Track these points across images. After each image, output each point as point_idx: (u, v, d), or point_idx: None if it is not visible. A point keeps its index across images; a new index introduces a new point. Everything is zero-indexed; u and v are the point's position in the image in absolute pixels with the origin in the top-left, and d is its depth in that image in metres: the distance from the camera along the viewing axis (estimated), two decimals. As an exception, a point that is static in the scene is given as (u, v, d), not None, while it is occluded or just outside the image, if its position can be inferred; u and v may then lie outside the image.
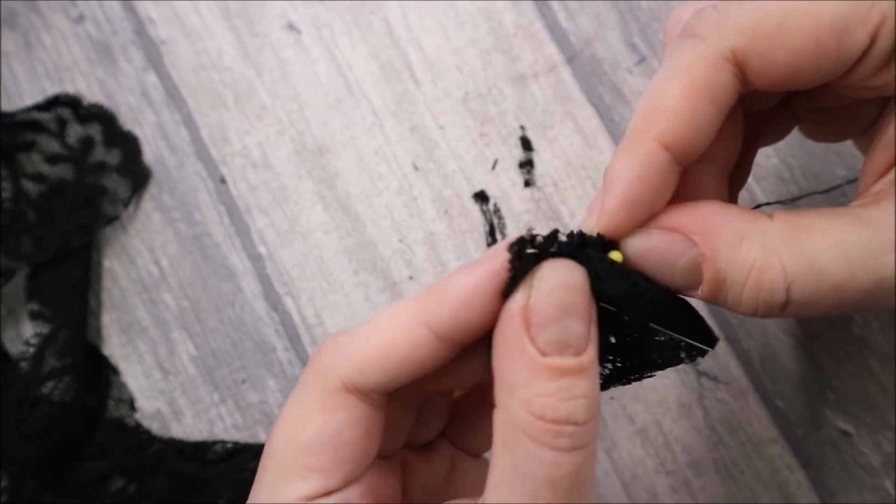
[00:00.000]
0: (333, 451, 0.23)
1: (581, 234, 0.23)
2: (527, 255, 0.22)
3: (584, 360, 0.21)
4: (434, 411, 0.28)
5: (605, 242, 0.23)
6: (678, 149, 0.23)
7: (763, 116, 0.28)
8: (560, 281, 0.21)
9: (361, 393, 0.23)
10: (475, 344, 0.24)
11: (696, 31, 0.23)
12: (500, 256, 0.22)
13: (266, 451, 0.24)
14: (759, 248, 0.22)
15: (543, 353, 0.21)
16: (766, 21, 0.21)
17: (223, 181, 0.39)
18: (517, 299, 0.21)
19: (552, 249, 0.22)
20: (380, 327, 0.24)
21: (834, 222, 0.22)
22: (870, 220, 0.22)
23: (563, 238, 0.23)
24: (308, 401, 0.24)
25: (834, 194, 0.35)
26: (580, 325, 0.21)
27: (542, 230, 0.34)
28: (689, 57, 0.22)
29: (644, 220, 0.23)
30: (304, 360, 0.38)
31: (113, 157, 0.39)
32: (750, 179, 0.36)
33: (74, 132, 0.39)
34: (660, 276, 0.23)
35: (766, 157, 0.36)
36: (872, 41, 0.21)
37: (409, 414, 0.27)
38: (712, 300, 0.23)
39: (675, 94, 0.22)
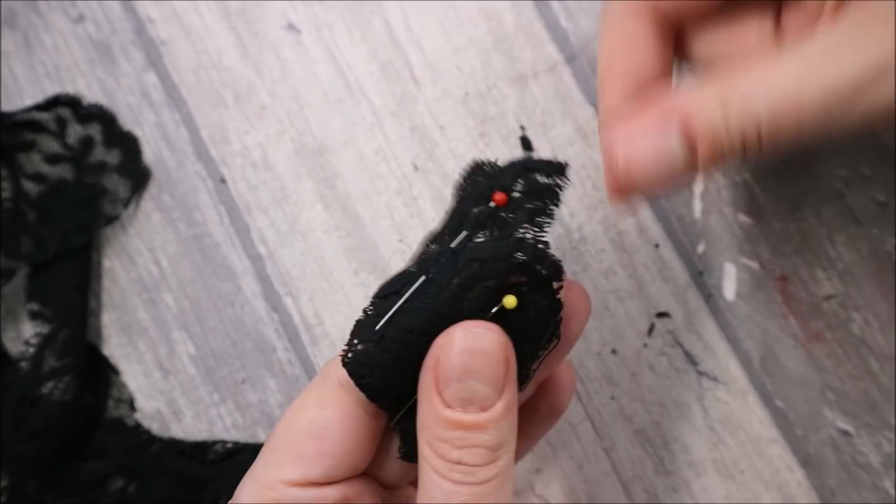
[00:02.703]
0: (319, 443, 0.25)
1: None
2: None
3: (482, 417, 0.24)
4: None
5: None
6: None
7: None
8: (467, 346, 0.24)
9: (354, 392, 0.26)
10: None
11: None
12: None
13: (268, 437, 0.27)
14: (717, 89, 0.24)
15: (448, 406, 0.24)
16: None
17: (223, 181, 0.39)
18: (434, 353, 0.24)
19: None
20: None
21: (780, 56, 0.24)
22: (828, 46, 0.24)
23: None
24: (308, 395, 0.27)
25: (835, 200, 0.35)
26: (483, 388, 0.24)
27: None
28: None
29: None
30: (303, 359, 0.38)
31: (113, 157, 0.39)
32: (749, 178, 0.36)
33: (74, 132, 0.39)
34: (664, 167, 0.25)
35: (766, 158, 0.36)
36: None
37: None
38: (713, 158, 0.25)
39: None
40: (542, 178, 0.27)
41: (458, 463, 0.24)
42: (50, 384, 0.37)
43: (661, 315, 0.36)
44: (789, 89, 0.23)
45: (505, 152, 0.38)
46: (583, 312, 0.29)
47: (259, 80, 0.39)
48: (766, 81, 0.24)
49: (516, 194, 0.26)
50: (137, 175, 0.39)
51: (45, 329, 0.38)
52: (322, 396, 0.26)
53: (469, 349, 0.24)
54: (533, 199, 0.26)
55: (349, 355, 0.25)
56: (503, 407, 0.24)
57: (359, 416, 0.26)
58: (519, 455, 0.31)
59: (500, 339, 0.24)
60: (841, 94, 0.23)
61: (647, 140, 0.25)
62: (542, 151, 0.37)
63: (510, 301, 0.25)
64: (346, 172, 0.38)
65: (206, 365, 0.38)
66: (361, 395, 0.25)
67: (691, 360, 0.36)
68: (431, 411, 0.24)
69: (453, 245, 0.26)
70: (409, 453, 0.26)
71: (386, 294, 0.26)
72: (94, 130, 0.39)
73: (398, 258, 0.38)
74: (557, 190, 0.26)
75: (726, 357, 0.36)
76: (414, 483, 0.29)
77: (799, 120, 0.23)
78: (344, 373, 0.26)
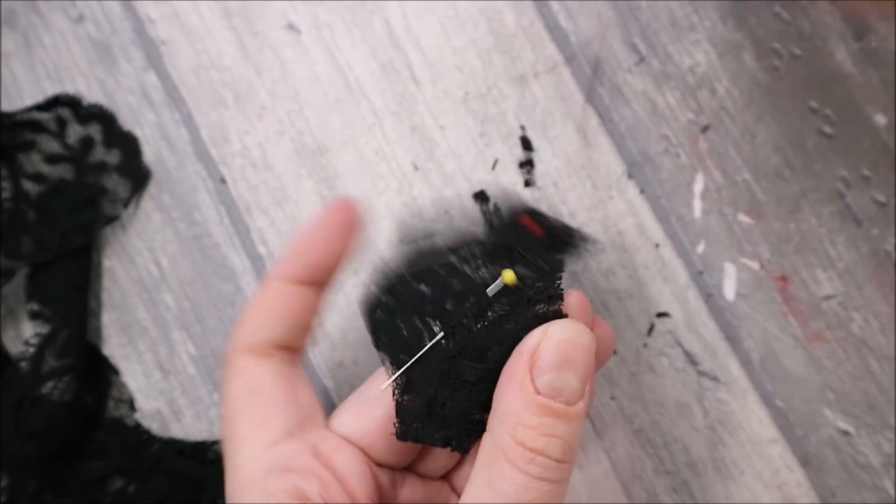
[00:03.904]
0: (259, 406, 0.27)
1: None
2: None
3: (570, 409, 0.24)
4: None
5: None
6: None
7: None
8: (570, 336, 0.24)
9: (259, 351, 0.27)
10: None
11: None
12: (327, 212, 0.28)
13: (224, 445, 0.28)
14: None
15: (538, 393, 0.24)
16: None
17: (223, 181, 0.39)
18: (531, 340, 0.25)
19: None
20: (254, 295, 0.29)
21: None
22: None
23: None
24: (226, 378, 0.28)
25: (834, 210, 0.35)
26: (576, 380, 0.24)
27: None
28: None
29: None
30: (303, 360, 0.38)
31: (113, 157, 0.39)
32: (749, 178, 0.36)
33: (74, 132, 0.39)
34: None
35: (766, 158, 0.36)
36: None
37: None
38: None
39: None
40: (538, 265, 0.27)
41: (541, 454, 0.23)
42: (50, 384, 0.37)
43: (661, 315, 0.36)
44: None
45: (505, 152, 0.38)
46: (605, 352, 0.29)
47: (259, 80, 0.39)
48: None
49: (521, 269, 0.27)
50: (137, 175, 0.39)
51: (45, 329, 0.38)
52: (231, 374, 0.28)
53: (572, 340, 0.24)
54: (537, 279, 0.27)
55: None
56: (584, 407, 0.25)
57: (278, 368, 0.27)
58: None
59: (593, 337, 0.25)
60: None
61: None
62: (542, 151, 0.37)
63: (509, 276, 0.25)
64: (346, 172, 0.38)
65: (206, 365, 0.38)
66: (265, 353, 0.27)
67: (691, 360, 0.36)
68: (522, 396, 0.24)
69: (470, 316, 0.26)
70: (406, 431, 0.26)
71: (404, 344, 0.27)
72: (94, 130, 0.39)
73: (398, 258, 0.38)
74: (558, 281, 0.27)
75: (726, 357, 0.36)
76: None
77: None
78: (239, 339, 0.27)
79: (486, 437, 0.25)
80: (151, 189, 0.39)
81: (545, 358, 0.24)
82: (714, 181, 0.36)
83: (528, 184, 0.37)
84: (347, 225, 0.28)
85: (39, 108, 0.39)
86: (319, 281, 0.29)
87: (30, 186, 0.39)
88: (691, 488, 0.35)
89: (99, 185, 0.39)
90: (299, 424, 0.27)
